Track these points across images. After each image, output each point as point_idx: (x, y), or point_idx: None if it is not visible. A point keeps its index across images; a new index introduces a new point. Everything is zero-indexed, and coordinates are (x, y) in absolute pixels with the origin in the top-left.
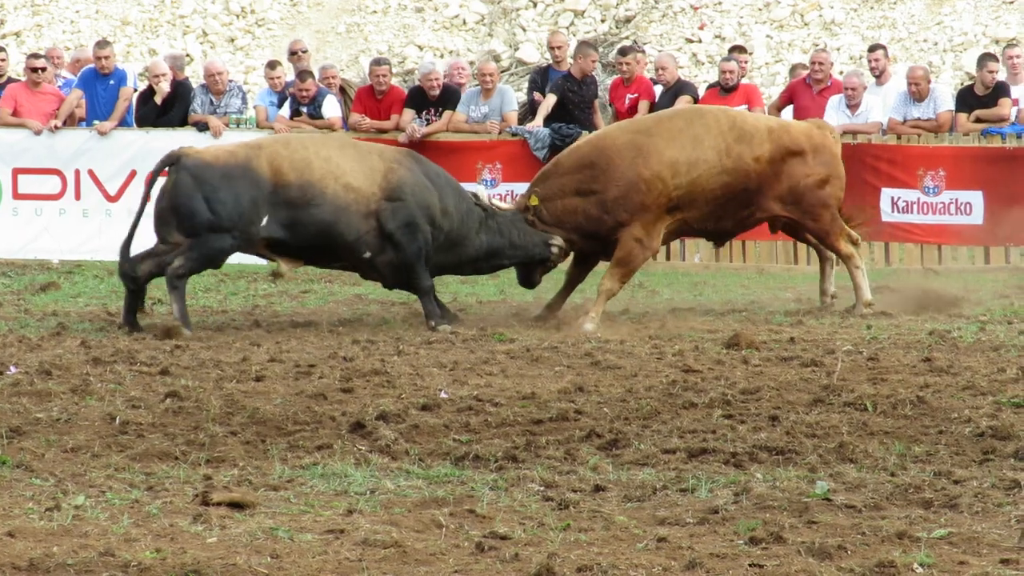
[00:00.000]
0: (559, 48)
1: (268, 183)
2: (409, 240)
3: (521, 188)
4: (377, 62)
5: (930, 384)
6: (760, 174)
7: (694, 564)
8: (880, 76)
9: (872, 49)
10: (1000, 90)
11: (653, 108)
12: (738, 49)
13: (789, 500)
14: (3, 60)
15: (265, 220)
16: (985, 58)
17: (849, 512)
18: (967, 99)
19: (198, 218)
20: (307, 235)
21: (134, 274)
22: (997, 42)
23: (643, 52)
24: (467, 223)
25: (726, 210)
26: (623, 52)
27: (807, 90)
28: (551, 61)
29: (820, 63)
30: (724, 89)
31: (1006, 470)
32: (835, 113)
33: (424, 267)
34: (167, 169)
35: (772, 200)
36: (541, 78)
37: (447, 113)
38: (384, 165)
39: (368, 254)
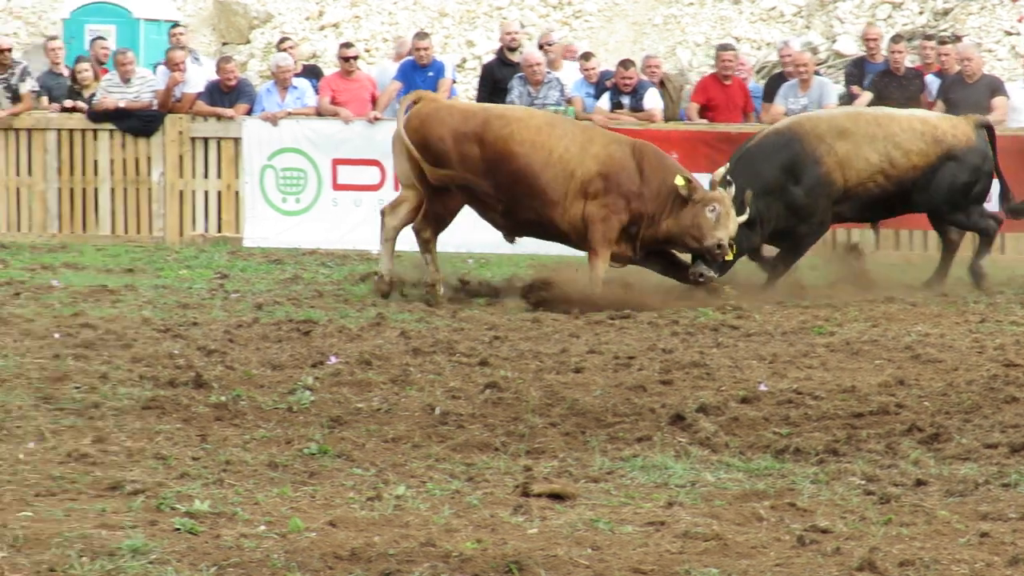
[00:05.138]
0: (874, 40)
1: None
2: None
3: None
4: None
5: None
6: None
7: (1017, 560)
8: None
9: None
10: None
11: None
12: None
13: None
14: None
15: None
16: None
17: None
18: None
19: None
20: None
21: None
22: None
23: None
24: None
25: None
26: (929, 37)
27: None
28: (866, 53)
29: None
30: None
31: None
32: None
33: None
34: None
35: None
36: (857, 70)
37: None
38: None
39: None
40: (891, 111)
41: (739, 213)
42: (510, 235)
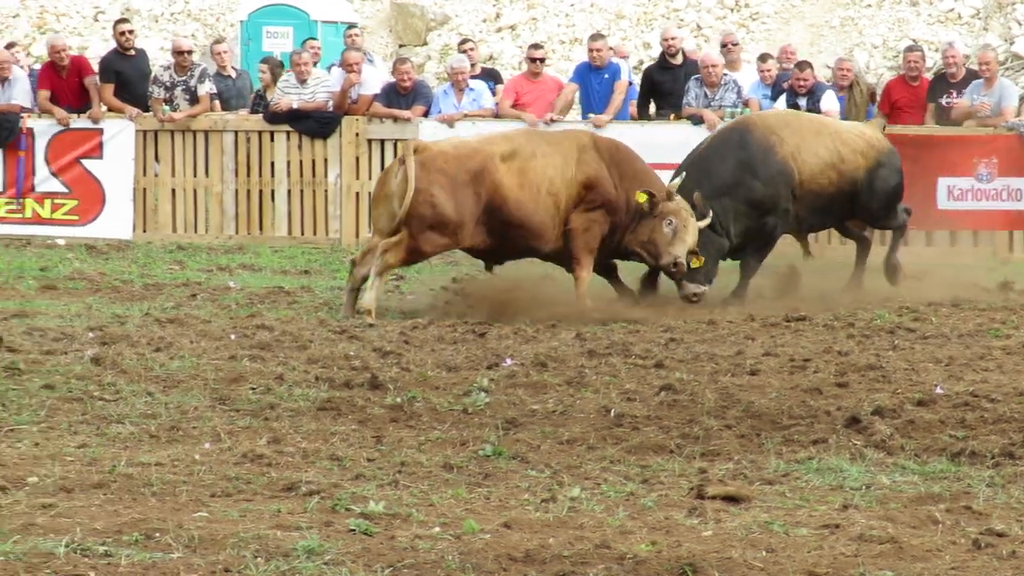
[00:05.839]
0: None
1: None
2: None
3: (1017, 183)
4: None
5: None
6: None
7: None
8: None
9: None
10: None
11: None
12: None
13: None
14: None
15: None
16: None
17: None
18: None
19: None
20: None
21: None
22: None
23: None
24: None
25: None
26: None
27: None
28: None
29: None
30: None
31: None
32: None
33: None
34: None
35: None
36: None
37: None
38: None
39: None
40: (825, 117)
41: (698, 218)
42: (491, 266)
